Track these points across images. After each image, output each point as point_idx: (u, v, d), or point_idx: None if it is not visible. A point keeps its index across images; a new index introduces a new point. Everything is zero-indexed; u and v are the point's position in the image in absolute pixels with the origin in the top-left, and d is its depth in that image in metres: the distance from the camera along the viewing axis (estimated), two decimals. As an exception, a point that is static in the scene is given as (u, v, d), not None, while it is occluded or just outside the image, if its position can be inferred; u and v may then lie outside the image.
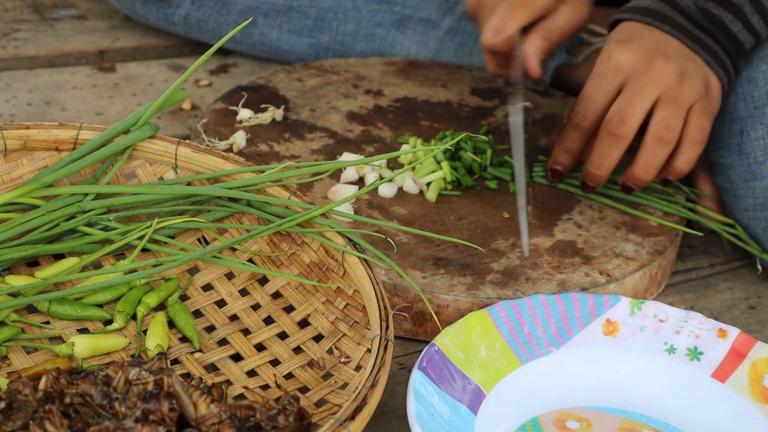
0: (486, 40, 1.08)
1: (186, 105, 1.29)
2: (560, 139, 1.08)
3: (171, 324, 0.92)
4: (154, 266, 0.91)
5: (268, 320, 0.94)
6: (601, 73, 1.04)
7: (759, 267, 1.08)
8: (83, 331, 0.91)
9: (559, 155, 1.09)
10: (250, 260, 0.96)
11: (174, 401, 0.74)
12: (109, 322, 0.92)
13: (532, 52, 1.07)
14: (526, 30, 1.09)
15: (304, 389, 0.87)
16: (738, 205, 1.09)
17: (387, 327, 0.82)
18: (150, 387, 0.76)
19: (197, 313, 0.94)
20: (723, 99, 1.09)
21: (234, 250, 0.97)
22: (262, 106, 1.20)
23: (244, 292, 0.96)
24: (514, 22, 1.06)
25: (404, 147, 1.16)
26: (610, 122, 1.03)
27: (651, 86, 1.03)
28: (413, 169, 1.11)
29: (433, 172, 1.11)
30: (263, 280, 0.96)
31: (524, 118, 1.07)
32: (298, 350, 0.91)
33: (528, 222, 1.02)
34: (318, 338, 0.92)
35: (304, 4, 1.35)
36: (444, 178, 1.10)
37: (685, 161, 1.05)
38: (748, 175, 1.07)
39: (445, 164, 1.10)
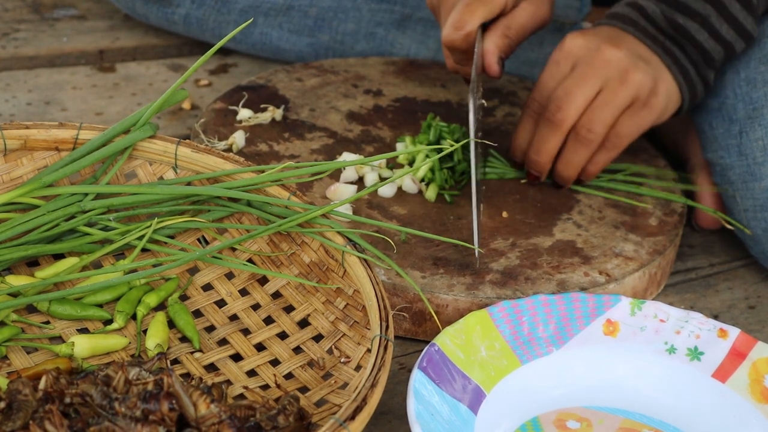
0: (445, 36, 1.08)
1: (186, 105, 1.29)
2: (517, 127, 1.10)
3: (171, 324, 0.92)
4: (154, 266, 0.91)
5: (268, 320, 0.94)
6: (554, 60, 1.07)
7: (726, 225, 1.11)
8: (83, 331, 0.91)
9: (516, 143, 1.10)
10: (250, 260, 0.96)
11: (174, 401, 0.74)
12: (109, 322, 0.92)
13: (490, 50, 1.07)
14: (486, 27, 1.09)
15: (304, 389, 0.87)
16: (738, 206, 1.09)
17: (387, 327, 0.82)
18: (150, 387, 0.75)
19: (197, 313, 0.94)
20: (685, 108, 1.10)
21: (234, 249, 0.97)
22: (262, 106, 1.20)
23: (244, 292, 0.96)
24: (473, 19, 1.06)
25: (399, 145, 1.16)
26: (547, 109, 1.05)
27: (592, 76, 1.04)
28: (411, 165, 1.11)
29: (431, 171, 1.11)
30: (263, 280, 0.96)
31: (476, 116, 1.07)
32: (298, 350, 0.91)
33: (479, 220, 1.02)
34: (318, 338, 0.92)
35: (304, 4, 1.35)
36: (446, 179, 1.10)
37: (593, 163, 1.08)
38: (747, 176, 1.07)
39: (438, 172, 1.09)
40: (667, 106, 1.07)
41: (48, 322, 0.91)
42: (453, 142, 1.11)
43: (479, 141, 1.07)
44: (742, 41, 1.07)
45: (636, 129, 1.06)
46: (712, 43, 1.06)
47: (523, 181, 1.13)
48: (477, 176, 1.02)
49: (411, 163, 1.13)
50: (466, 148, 1.12)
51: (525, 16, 1.09)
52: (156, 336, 0.89)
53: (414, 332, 0.98)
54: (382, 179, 1.11)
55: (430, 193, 1.09)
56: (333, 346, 0.90)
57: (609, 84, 1.04)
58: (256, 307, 0.95)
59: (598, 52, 1.04)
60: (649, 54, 1.06)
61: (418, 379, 0.82)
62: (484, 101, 1.13)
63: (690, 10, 1.06)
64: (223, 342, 0.92)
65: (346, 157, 1.12)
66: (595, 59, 1.04)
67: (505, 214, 1.08)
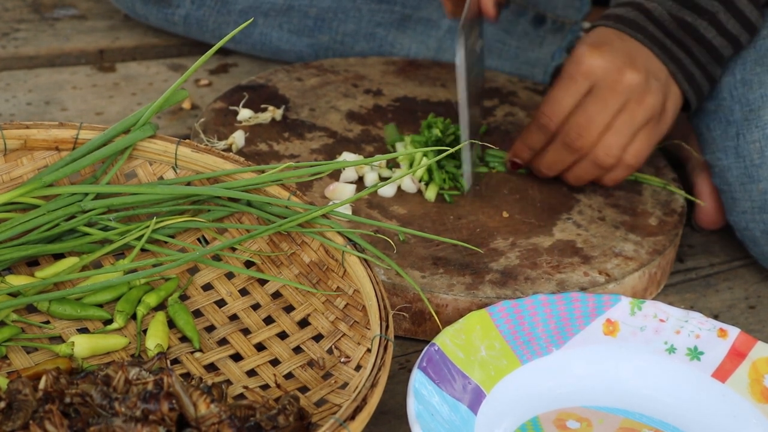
0: None
1: (186, 105, 1.29)
2: (524, 135, 1.09)
3: (171, 324, 0.92)
4: (154, 266, 0.91)
5: (268, 320, 0.94)
6: (571, 76, 1.05)
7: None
8: (83, 330, 0.91)
9: (521, 150, 1.10)
10: (250, 260, 0.96)
11: (174, 401, 0.74)
12: (109, 321, 0.92)
13: None
14: None
15: (304, 389, 0.87)
16: (736, 208, 1.09)
17: (387, 327, 0.82)
18: (150, 387, 0.75)
19: (197, 313, 0.94)
20: (693, 109, 1.10)
21: (234, 249, 0.97)
22: (262, 106, 1.20)
23: (244, 292, 0.96)
24: None
25: (398, 145, 1.15)
26: (567, 135, 1.05)
27: (613, 101, 1.03)
28: (410, 166, 1.11)
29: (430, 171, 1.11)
30: (263, 280, 0.96)
31: (475, 58, 1.06)
32: (298, 350, 0.91)
33: (472, 158, 1.02)
34: (318, 338, 0.92)
35: (304, 4, 1.35)
36: (444, 179, 1.10)
37: (612, 180, 1.09)
38: (745, 177, 1.07)
39: (436, 173, 1.09)
40: (673, 119, 1.08)
41: (48, 322, 0.91)
42: (441, 134, 1.12)
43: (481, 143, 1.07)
44: (747, 34, 1.08)
45: (650, 147, 1.07)
46: (720, 40, 1.07)
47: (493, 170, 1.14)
48: (467, 118, 1.02)
49: (411, 163, 1.13)
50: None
51: None
52: (156, 336, 0.89)
53: (414, 332, 0.98)
54: (382, 179, 1.11)
55: (430, 193, 1.09)
56: (333, 346, 0.90)
57: (628, 107, 1.04)
58: (256, 306, 0.95)
59: (619, 75, 1.03)
60: (658, 66, 1.06)
61: (418, 379, 0.82)
62: (482, 41, 1.11)
63: (698, 7, 1.06)
64: (223, 342, 0.92)
65: (346, 157, 1.12)
66: (617, 84, 1.03)
67: (505, 214, 1.08)
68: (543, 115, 1.06)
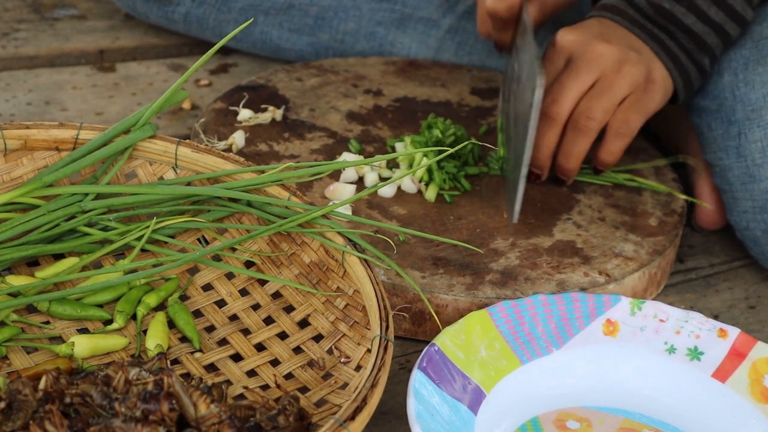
0: (489, 3, 1.09)
1: (186, 105, 1.29)
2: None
3: (171, 324, 0.92)
4: (154, 266, 0.91)
5: (268, 320, 0.94)
6: (548, 58, 1.07)
7: None
8: (83, 331, 0.91)
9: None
10: (250, 260, 0.96)
11: (174, 401, 0.74)
12: (109, 322, 0.92)
13: (533, 14, 1.10)
14: None
15: (304, 389, 0.87)
16: (737, 207, 1.09)
17: (387, 327, 0.82)
18: (150, 387, 0.75)
19: (197, 313, 0.94)
20: (681, 95, 1.11)
21: (234, 249, 0.97)
22: (263, 106, 1.20)
23: (244, 292, 0.96)
24: None
25: (398, 145, 1.15)
26: (544, 104, 1.06)
27: (586, 69, 1.05)
28: (410, 166, 1.11)
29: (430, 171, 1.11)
30: (263, 280, 0.96)
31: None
32: (298, 350, 0.91)
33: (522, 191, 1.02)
34: (318, 338, 0.92)
35: (304, 3, 1.35)
36: (444, 179, 1.10)
37: (607, 152, 1.09)
38: (746, 177, 1.07)
39: (436, 173, 1.09)
40: (665, 91, 1.09)
41: (48, 322, 0.91)
42: (442, 137, 1.12)
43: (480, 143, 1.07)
44: (734, 24, 1.08)
45: (642, 114, 1.07)
46: (701, 26, 1.07)
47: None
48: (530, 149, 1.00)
49: (411, 163, 1.13)
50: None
51: None
52: (156, 336, 0.89)
53: (414, 332, 0.98)
54: (382, 179, 1.11)
55: (430, 194, 1.09)
56: (333, 346, 0.90)
57: (604, 75, 1.05)
58: (256, 307, 0.95)
59: (590, 46, 1.05)
60: (639, 44, 1.07)
61: (418, 379, 0.82)
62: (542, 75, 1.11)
63: None
64: (223, 342, 0.92)
65: (346, 157, 1.12)
66: (588, 53, 1.05)
67: (505, 214, 1.08)
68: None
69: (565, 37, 1.07)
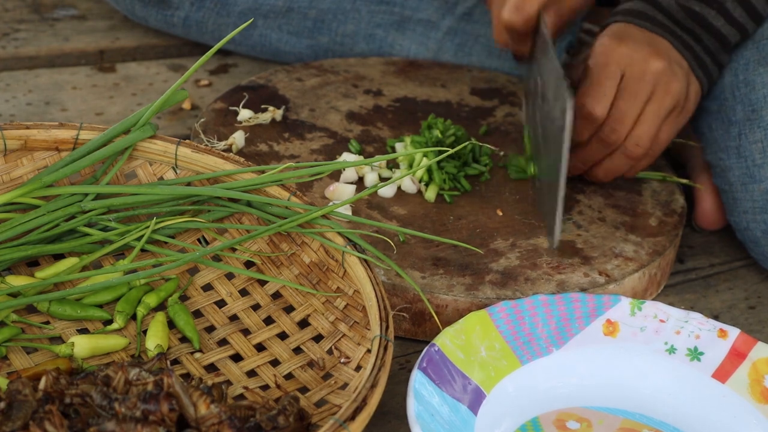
0: (506, 16, 1.08)
1: (186, 105, 1.29)
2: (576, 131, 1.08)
3: (171, 324, 0.92)
4: (154, 266, 0.91)
5: (268, 320, 0.94)
6: (605, 64, 1.04)
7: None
8: (83, 331, 0.91)
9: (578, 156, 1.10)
10: (250, 260, 0.96)
11: (174, 402, 0.74)
12: (108, 322, 0.92)
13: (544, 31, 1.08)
14: None
15: (304, 389, 0.87)
16: (737, 208, 1.09)
17: (387, 327, 0.82)
18: (150, 387, 0.75)
19: (197, 314, 0.94)
20: (702, 98, 1.11)
21: (234, 249, 0.97)
22: (263, 106, 1.20)
23: (244, 292, 0.96)
24: (535, 3, 1.07)
25: (398, 145, 1.15)
26: (602, 131, 1.05)
27: (643, 91, 1.04)
28: (410, 167, 1.11)
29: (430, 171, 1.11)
30: (263, 280, 0.96)
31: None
32: (298, 350, 0.91)
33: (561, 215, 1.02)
34: (318, 338, 0.92)
35: (303, 6, 1.35)
36: (444, 179, 1.10)
37: (637, 170, 1.10)
38: (746, 177, 1.07)
39: (436, 173, 1.09)
40: (695, 105, 1.09)
41: (48, 323, 0.91)
42: (441, 135, 1.12)
43: (481, 144, 1.07)
44: (753, 23, 1.08)
45: (674, 134, 1.08)
46: (728, 28, 1.07)
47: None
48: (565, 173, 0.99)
49: (411, 163, 1.13)
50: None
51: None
52: (156, 336, 0.89)
53: (414, 332, 0.98)
54: (382, 179, 1.11)
55: (430, 194, 1.09)
56: (333, 347, 0.90)
57: (655, 96, 1.04)
58: (256, 307, 0.95)
59: (646, 64, 1.04)
60: (679, 57, 1.07)
61: (418, 380, 0.82)
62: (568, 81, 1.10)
63: None
64: (223, 342, 0.92)
65: (346, 157, 1.12)
66: (645, 73, 1.04)
67: (499, 212, 1.08)
68: (588, 107, 1.05)
69: (620, 50, 1.04)
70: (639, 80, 1.04)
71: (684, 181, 1.15)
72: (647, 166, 1.10)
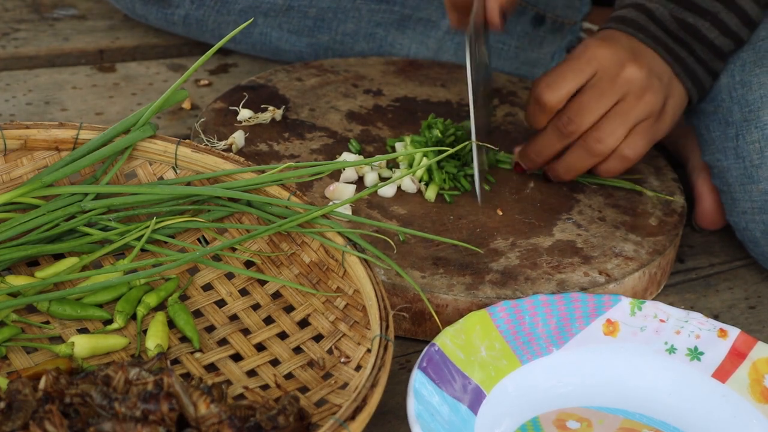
0: None
1: (186, 105, 1.29)
2: (527, 113, 1.09)
3: (171, 324, 0.92)
4: (154, 266, 0.91)
5: (268, 320, 0.94)
6: (576, 57, 1.05)
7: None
8: (83, 331, 0.91)
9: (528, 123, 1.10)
10: (250, 260, 0.96)
11: (174, 401, 0.74)
12: (108, 322, 0.92)
13: (492, 3, 1.08)
14: None
15: (304, 389, 0.87)
16: (736, 208, 1.09)
17: (387, 327, 0.82)
18: (150, 387, 0.75)
19: (197, 313, 0.94)
20: (694, 104, 1.11)
21: (234, 249, 0.97)
22: (263, 106, 1.20)
23: (244, 292, 0.96)
24: None
25: (398, 145, 1.15)
26: (560, 119, 1.05)
27: (611, 92, 1.04)
28: (410, 166, 1.11)
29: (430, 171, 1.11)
30: (263, 280, 0.96)
31: (483, 65, 1.06)
32: (298, 350, 0.91)
33: (481, 165, 1.04)
34: (318, 338, 0.92)
35: (303, 4, 1.35)
36: (444, 179, 1.10)
37: (606, 170, 1.09)
38: (744, 178, 1.07)
39: (436, 173, 1.09)
40: (674, 118, 1.09)
41: (48, 322, 0.91)
42: (441, 134, 1.12)
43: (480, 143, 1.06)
44: (748, 30, 1.08)
45: (648, 143, 1.07)
46: (722, 39, 1.07)
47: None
48: (474, 119, 1.03)
49: (411, 163, 1.13)
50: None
51: None
52: (156, 336, 0.89)
53: (414, 332, 0.98)
54: (382, 179, 1.11)
55: (430, 193, 1.09)
56: (333, 346, 0.90)
57: (626, 100, 1.04)
58: (256, 307, 0.95)
59: (621, 69, 1.04)
60: (662, 67, 1.06)
61: (418, 379, 0.82)
62: (487, 53, 1.12)
63: (699, 8, 1.06)
64: (223, 342, 0.92)
65: (346, 157, 1.12)
66: (617, 76, 1.04)
67: (499, 212, 1.08)
68: (543, 92, 1.06)
69: (599, 50, 1.05)
70: (610, 81, 1.04)
71: (651, 193, 1.14)
72: (622, 171, 1.08)
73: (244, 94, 1.21)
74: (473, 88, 1.04)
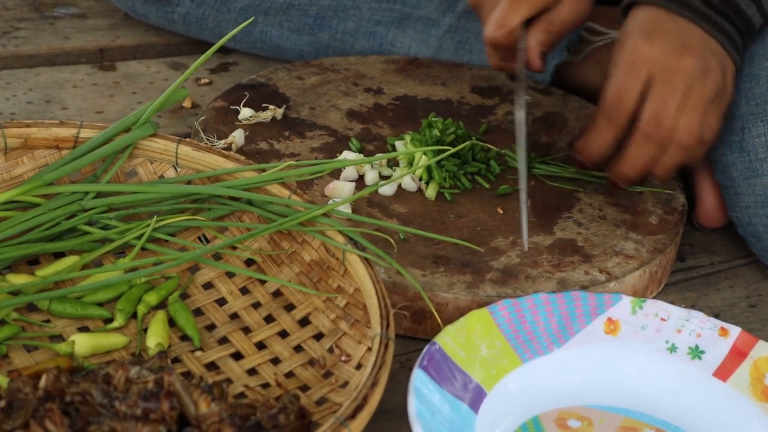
0: (488, 33, 1.08)
1: (186, 103, 1.29)
2: (590, 132, 1.06)
3: (171, 322, 0.92)
4: (155, 265, 0.91)
5: (269, 318, 0.94)
6: (632, 64, 1.02)
7: None
8: (84, 329, 0.91)
9: (587, 149, 1.07)
10: (251, 258, 0.96)
11: (174, 400, 0.74)
12: (109, 320, 0.92)
13: (533, 45, 1.08)
14: (529, 23, 1.09)
15: (304, 388, 0.87)
16: (739, 203, 1.09)
17: (388, 325, 0.82)
18: (150, 386, 0.75)
19: (198, 312, 0.94)
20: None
21: (235, 248, 0.97)
22: (263, 104, 1.20)
23: (244, 291, 0.96)
24: (517, 15, 1.06)
25: (398, 143, 1.15)
26: (647, 125, 1.02)
27: (681, 84, 1.02)
28: (410, 165, 1.11)
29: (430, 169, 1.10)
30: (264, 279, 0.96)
31: (526, 113, 1.07)
32: (298, 349, 0.91)
33: (528, 217, 1.03)
34: (318, 337, 0.92)
35: (304, 3, 1.35)
36: (444, 177, 1.10)
37: (693, 160, 1.06)
38: (749, 172, 1.07)
39: (436, 171, 1.09)
40: (734, 86, 1.06)
41: (48, 321, 0.91)
42: (440, 133, 1.12)
43: (481, 142, 1.07)
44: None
45: (720, 118, 1.05)
46: (758, 17, 1.06)
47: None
48: (526, 174, 1.03)
49: (411, 161, 1.13)
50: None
51: (567, 11, 1.09)
52: (156, 334, 0.89)
53: (414, 331, 0.98)
54: (383, 178, 1.11)
55: (430, 192, 1.09)
56: (334, 345, 0.90)
57: (695, 87, 1.02)
58: (256, 305, 0.95)
59: (678, 62, 1.01)
60: (712, 44, 1.04)
61: (418, 378, 0.82)
62: (530, 97, 1.12)
63: None
64: (223, 340, 0.92)
65: (347, 155, 1.12)
66: (679, 70, 1.02)
67: (500, 210, 1.08)
68: (609, 107, 1.03)
69: (651, 50, 1.02)
70: (674, 73, 1.01)
71: (642, 189, 1.13)
72: (702, 156, 1.06)
73: (245, 92, 1.21)
74: (524, 142, 1.03)
